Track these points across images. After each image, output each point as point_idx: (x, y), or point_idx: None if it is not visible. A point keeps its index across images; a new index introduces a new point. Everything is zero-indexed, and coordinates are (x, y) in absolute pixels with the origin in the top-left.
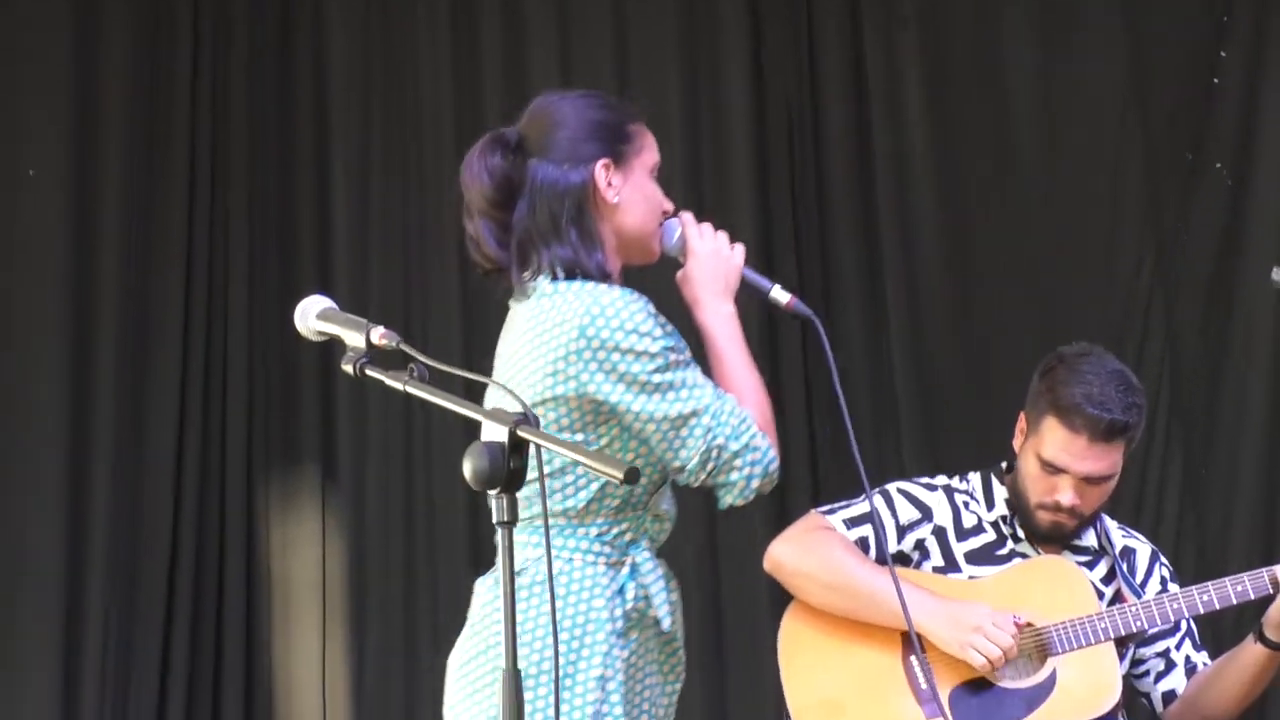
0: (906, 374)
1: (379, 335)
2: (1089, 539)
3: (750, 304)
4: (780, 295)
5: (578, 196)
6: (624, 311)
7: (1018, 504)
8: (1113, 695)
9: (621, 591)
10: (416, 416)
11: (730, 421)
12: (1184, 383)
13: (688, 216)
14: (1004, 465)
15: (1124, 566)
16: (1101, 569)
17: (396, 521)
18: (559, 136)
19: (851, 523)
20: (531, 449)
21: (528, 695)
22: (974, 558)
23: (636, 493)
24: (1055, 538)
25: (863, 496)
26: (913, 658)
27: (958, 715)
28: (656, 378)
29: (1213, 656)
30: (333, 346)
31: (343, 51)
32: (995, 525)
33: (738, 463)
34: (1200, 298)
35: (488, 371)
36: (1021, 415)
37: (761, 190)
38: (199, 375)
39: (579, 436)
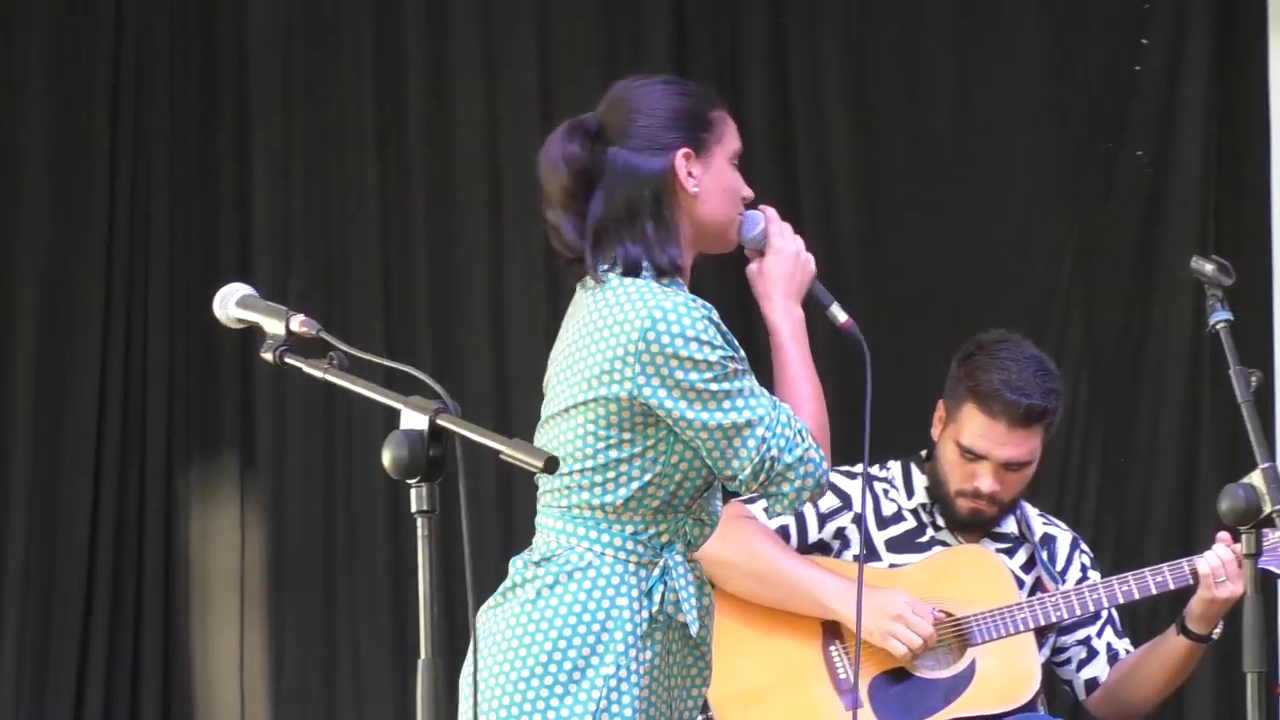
0: (828, 364)
1: (298, 323)
2: (1009, 526)
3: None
4: (839, 314)
5: (656, 185)
6: (686, 318)
7: (938, 492)
8: (1031, 686)
9: (650, 593)
10: (338, 405)
11: (785, 433)
12: (1104, 371)
13: (772, 212)
14: (924, 453)
15: (1044, 555)
16: (1021, 556)
17: (316, 511)
18: (638, 124)
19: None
20: (578, 442)
21: (535, 686)
22: (894, 546)
23: (679, 495)
24: (975, 525)
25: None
26: (832, 647)
27: (876, 705)
28: (714, 386)
29: (1133, 641)
30: (253, 334)
31: (265, 32)
32: (915, 513)
33: (791, 475)
34: (1121, 286)
35: (411, 359)
36: (940, 404)
37: None
38: (119, 363)
39: (626, 436)
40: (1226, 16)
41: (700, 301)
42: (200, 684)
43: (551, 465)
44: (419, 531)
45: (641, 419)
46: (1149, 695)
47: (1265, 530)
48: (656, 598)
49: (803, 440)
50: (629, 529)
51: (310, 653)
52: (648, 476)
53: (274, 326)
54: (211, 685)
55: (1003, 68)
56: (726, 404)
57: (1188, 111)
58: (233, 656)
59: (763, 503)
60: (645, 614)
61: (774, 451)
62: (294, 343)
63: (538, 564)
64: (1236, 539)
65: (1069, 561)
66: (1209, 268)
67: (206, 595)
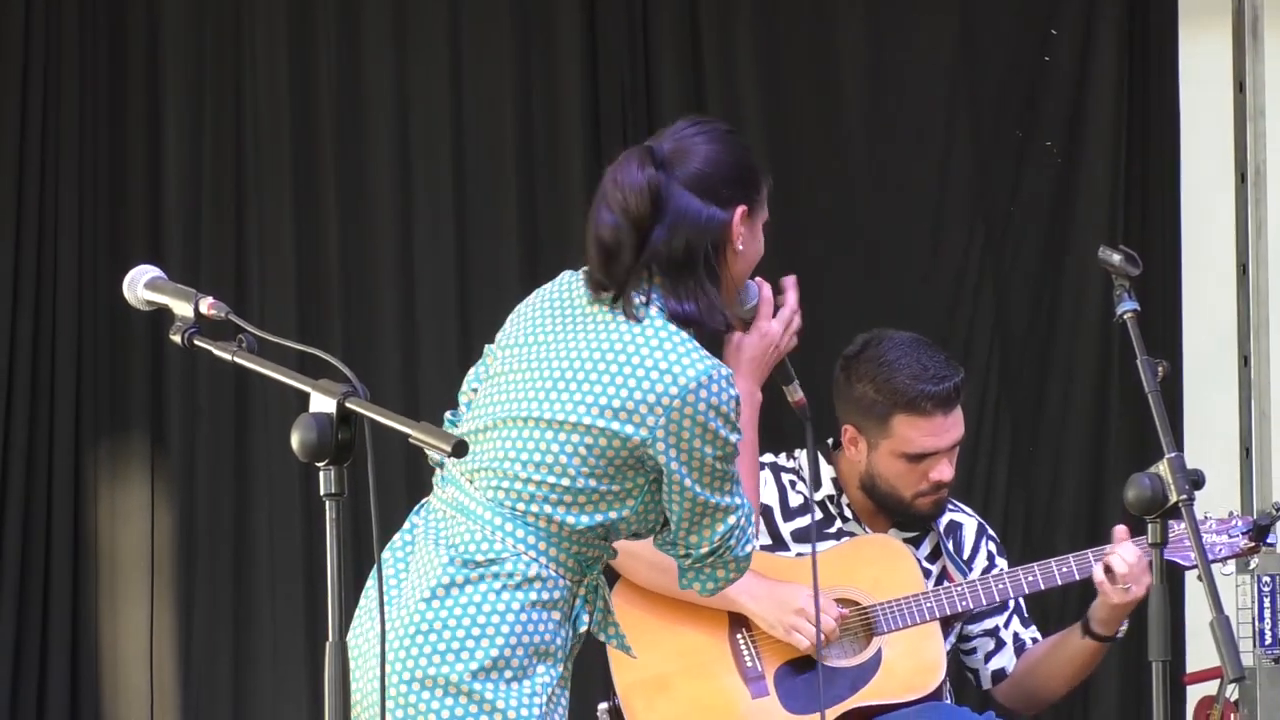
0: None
1: (207, 305)
2: None
3: None
4: (795, 391)
5: (717, 237)
6: (726, 393)
7: (844, 484)
8: (937, 675)
9: (579, 611)
10: (249, 385)
11: (750, 530)
12: (1014, 359)
13: (766, 290)
14: (830, 442)
15: (949, 544)
16: (927, 545)
17: (227, 491)
18: (705, 171)
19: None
20: (563, 458)
21: (494, 679)
22: (800, 536)
23: (624, 531)
24: (936, 515)
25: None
26: (739, 636)
27: (782, 693)
28: (720, 466)
29: (1041, 628)
30: (163, 314)
31: (175, 12)
32: (822, 504)
33: (733, 566)
34: (1030, 275)
35: (321, 341)
36: (848, 428)
37: (594, 177)
38: (27, 341)
39: (612, 472)
40: (1137, 5)
41: (730, 373)
42: (109, 664)
43: (460, 449)
44: (328, 514)
45: (636, 463)
46: (1056, 688)
47: (1171, 522)
48: (585, 616)
49: (752, 538)
50: (575, 549)
51: (220, 634)
52: (613, 514)
53: (183, 309)
54: (120, 666)
55: (912, 56)
56: (722, 486)
57: (1097, 101)
58: (142, 637)
59: None
60: (578, 631)
61: (733, 542)
62: (203, 325)
63: (481, 565)
64: (1136, 531)
65: (975, 549)
66: (1116, 258)
67: (115, 575)
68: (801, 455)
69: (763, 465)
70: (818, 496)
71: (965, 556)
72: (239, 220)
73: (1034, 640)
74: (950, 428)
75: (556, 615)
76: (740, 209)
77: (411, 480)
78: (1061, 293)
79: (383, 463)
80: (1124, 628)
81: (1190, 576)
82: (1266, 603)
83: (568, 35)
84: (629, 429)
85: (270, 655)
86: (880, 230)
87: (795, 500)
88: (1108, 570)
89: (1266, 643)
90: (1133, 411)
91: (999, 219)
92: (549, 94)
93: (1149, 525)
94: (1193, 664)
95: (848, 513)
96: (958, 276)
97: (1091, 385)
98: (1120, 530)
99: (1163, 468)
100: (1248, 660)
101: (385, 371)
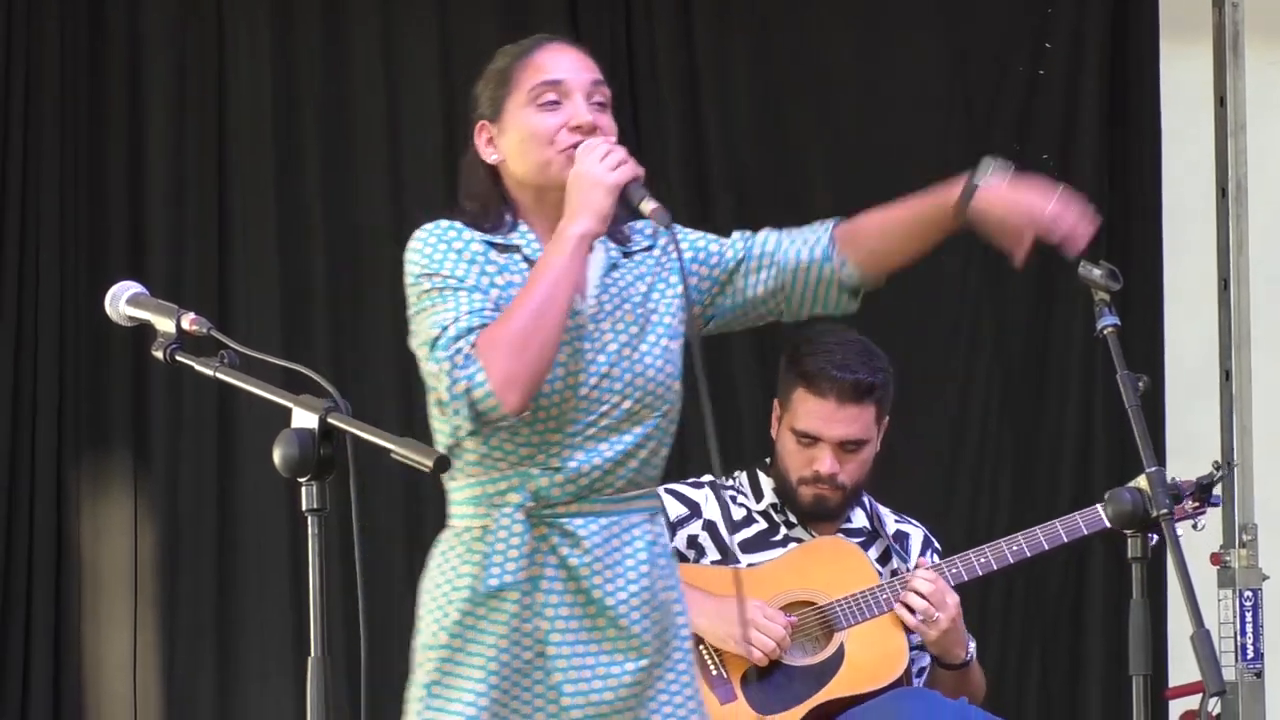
0: (747, 371)
1: (189, 321)
2: (860, 520)
3: None
4: (647, 205)
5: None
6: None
7: (785, 491)
8: (901, 662)
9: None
10: (232, 400)
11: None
12: (1015, 377)
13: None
14: (767, 460)
15: (898, 548)
16: (875, 550)
17: (210, 508)
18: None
19: None
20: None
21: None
22: (749, 547)
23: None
24: (822, 515)
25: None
26: (700, 646)
27: (750, 695)
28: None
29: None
30: (146, 330)
31: (158, 24)
32: (765, 514)
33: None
34: (1027, 290)
35: (309, 357)
36: (775, 402)
37: None
38: (8, 357)
39: None
40: (1119, 21)
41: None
42: (92, 682)
43: (442, 465)
44: (310, 529)
45: None
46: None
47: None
48: (477, 568)
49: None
50: (462, 493)
51: (204, 649)
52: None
53: (165, 324)
54: (104, 683)
55: (907, 73)
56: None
57: (1084, 117)
58: (125, 654)
59: None
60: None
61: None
62: (185, 341)
63: None
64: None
65: (922, 557)
66: (1097, 273)
67: (99, 593)
68: (740, 475)
69: (702, 484)
70: (760, 507)
71: (912, 565)
72: (222, 235)
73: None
74: (842, 420)
75: (453, 573)
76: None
77: (409, 494)
78: (1055, 307)
79: (378, 476)
80: (972, 647)
81: (1173, 591)
82: (1248, 617)
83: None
84: None
85: (254, 671)
86: None
87: (739, 513)
88: (909, 610)
89: (1248, 657)
90: (1117, 426)
91: None
92: None
93: (1128, 540)
94: (1176, 678)
95: (792, 519)
96: (958, 295)
97: (1078, 400)
98: (922, 560)
99: (1143, 482)
100: (1230, 674)
101: (380, 387)
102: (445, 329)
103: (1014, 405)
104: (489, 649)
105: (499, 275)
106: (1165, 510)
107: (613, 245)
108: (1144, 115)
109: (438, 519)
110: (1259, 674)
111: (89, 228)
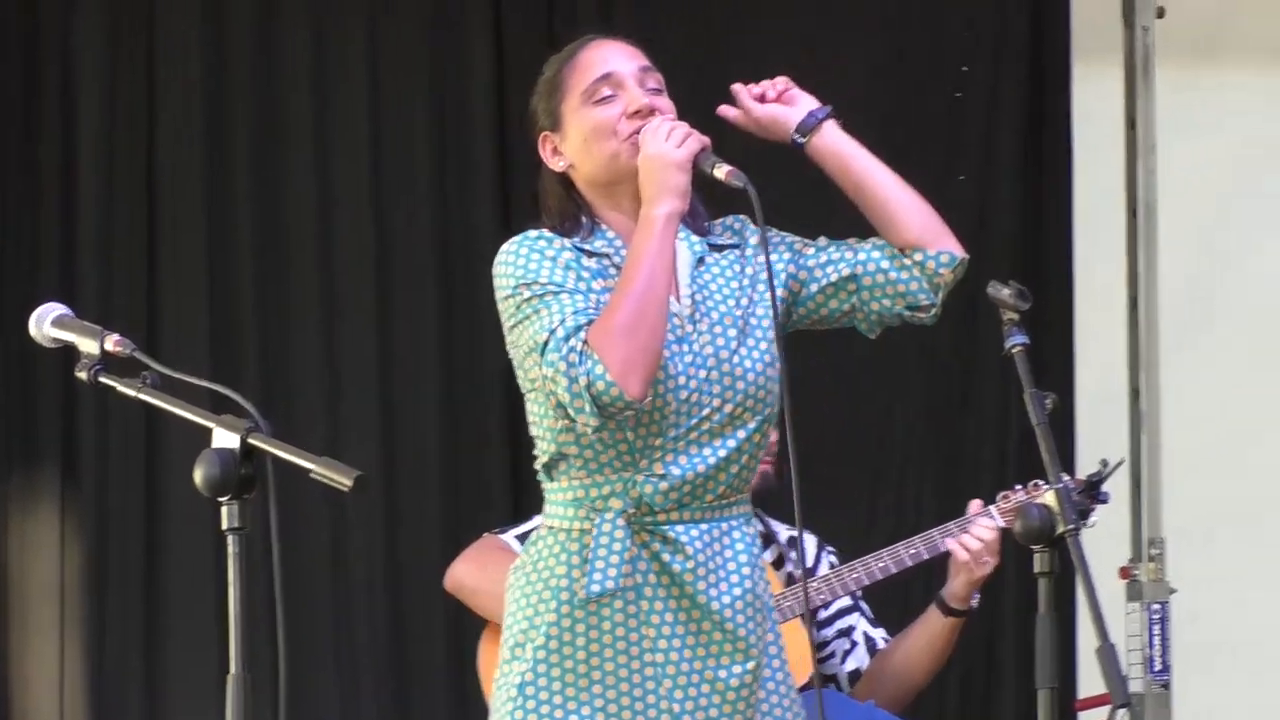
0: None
1: (113, 342)
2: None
3: None
4: (720, 170)
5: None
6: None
7: None
8: (807, 667)
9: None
10: (159, 420)
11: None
12: (940, 393)
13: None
14: None
15: (793, 554)
16: (769, 556)
17: (137, 525)
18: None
19: (524, 539)
20: None
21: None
22: None
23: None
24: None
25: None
26: None
27: None
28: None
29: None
30: (71, 350)
31: (89, 35)
32: None
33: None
34: (952, 310)
35: (236, 378)
36: None
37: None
38: None
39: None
40: (1034, 43)
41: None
42: (18, 696)
43: (361, 484)
44: (229, 549)
45: None
46: (918, 676)
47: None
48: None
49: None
50: (563, 494)
51: (131, 666)
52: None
53: (89, 346)
54: (30, 700)
55: (827, 85)
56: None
57: (1002, 137)
58: (52, 669)
59: (514, 531)
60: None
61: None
62: (109, 362)
63: None
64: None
65: (818, 560)
66: (1006, 292)
67: (25, 607)
68: None
69: None
70: None
71: (809, 565)
72: (151, 255)
73: (885, 640)
74: None
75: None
76: (541, 137)
77: (334, 514)
78: (978, 326)
79: (303, 495)
80: (976, 599)
81: (1082, 604)
82: (1155, 630)
83: (480, 66)
84: None
85: (180, 687)
86: None
87: None
88: (964, 547)
89: (1156, 669)
90: (1032, 443)
91: None
92: (461, 126)
93: (1035, 555)
94: (1087, 689)
95: None
96: None
97: (994, 417)
98: (975, 504)
99: (1050, 498)
100: (1138, 686)
101: (305, 408)
102: (553, 331)
103: (938, 418)
104: (594, 657)
105: (594, 280)
106: (1071, 526)
107: (695, 238)
108: (1057, 137)
109: (361, 539)
110: (1166, 685)
111: (16, 241)
